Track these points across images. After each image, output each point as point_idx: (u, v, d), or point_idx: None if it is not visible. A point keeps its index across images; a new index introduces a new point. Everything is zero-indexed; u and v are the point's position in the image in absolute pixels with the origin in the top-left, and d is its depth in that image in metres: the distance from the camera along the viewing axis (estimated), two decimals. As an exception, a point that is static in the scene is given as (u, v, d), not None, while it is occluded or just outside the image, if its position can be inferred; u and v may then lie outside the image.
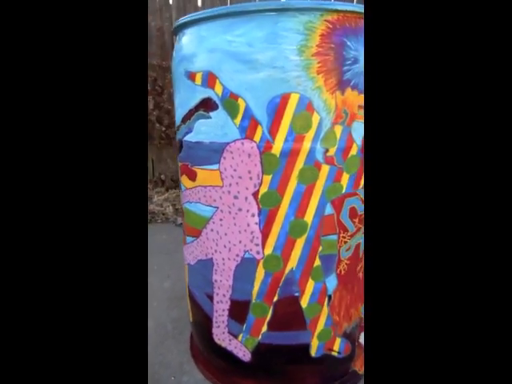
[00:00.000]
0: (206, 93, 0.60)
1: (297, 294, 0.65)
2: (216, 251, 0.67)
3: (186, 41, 0.63)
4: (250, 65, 0.55)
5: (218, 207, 0.64)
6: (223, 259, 0.67)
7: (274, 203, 0.60)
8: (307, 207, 0.61)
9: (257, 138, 0.58)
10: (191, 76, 0.61)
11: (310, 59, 0.54)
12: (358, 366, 0.79)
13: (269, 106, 0.56)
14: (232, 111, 0.58)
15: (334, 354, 0.72)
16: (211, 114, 0.60)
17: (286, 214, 0.61)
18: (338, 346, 0.72)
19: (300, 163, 0.59)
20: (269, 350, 0.69)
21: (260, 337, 0.68)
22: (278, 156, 0.58)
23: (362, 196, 0.64)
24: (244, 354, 0.70)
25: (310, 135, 0.57)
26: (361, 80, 0.57)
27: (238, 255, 0.65)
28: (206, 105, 0.60)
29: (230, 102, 0.58)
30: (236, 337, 0.70)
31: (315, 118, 0.57)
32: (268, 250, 0.63)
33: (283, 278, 0.64)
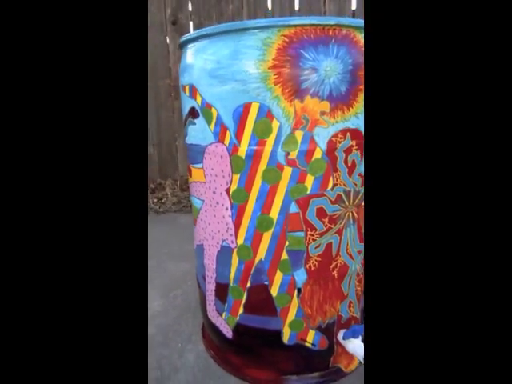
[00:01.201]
0: (191, 103, 0.71)
1: (266, 283, 0.72)
2: (204, 238, 0.78)
3: (182, 58, 0.74)
4: (219, 79, 0.64)
5: (204, 200, 0.75)
6: (209, 245, 0.77)
7: (242, 199, 0.68)
8: (272, 204, 0.67)
9: (226, 141, 0.66)
10: (183, 88, 0.73)
11: (267, 72, 0.60)
12: (344, 364, 0.81)
13: (234, 114, 0.64)
14: (207, 118, 0.68)
15: (308, 345, 0.76)
16: (195, 120, 0.71)
17: (253, 209, 0.68)
18: (311, 337, 0.76)
19: (263, 165, 0.65)
20: (246, 330, 0.77)
21: (238, 317, 0.77)
22: (243, 158, 0.66)
23: (332, 197, 0.67)
24: (227, 331, 0.80)
25: (270, 140, 0.64)
26: (322, 88, 0.61)
27: (218, 243, 0.75)
28: (193, 113, 0.71)
29: (206, 110, 0.67)
30: (221, 315, 0.80)
31: (275, 124, 0.63)
32: (240, 241, 0.71)
33: (254, 267, 0.71)
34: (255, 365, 0.80)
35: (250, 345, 0.78)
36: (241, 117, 0.64)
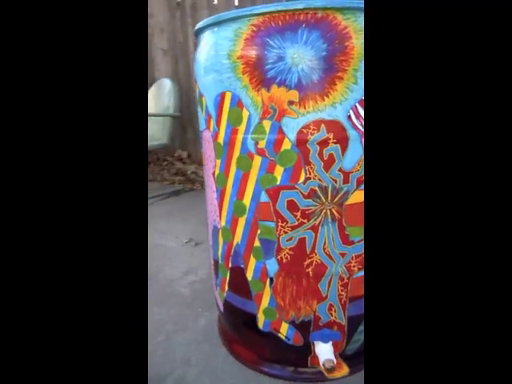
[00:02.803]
0: (197, 93, 0.78)
1: (242, 266, 0.74)
2: (207, 217, 0.85)
3: (199, 52, 0.81)
4: (205, 70, 0.69)
5: (206, 181, 0.82)
6: (208, 224, 0.84)
7: (223, 184, 0.72)
8: (245, 191, 0.69)
9: (211, 128, 0.71)
10: (194, 81, 0.80)
11: (236, 62, 0.62)
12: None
13: (214, 102, 0.68)
14: (201, 106, 0.74)
15: (282, 336, 0.75)
16: (198, 109, 0.78)
17: (230, 194, 0.71)
18: (285, 330, 0.75)
19: (237, 152, 0.67)
20: (230, 307, 0.81)
21: (225, 294, 0.82)
22: (222, 144, 0.69)
23: (305, 191, 0.65)
24: (220, 305, 0.86)
25: (241, 128, 0.65)
26: (289, 76, 0.59)
27: (211, 222, 0.81)
28: (198, 102, 0.78)
29: (200, 99, 0.73)
30: (216, 288, 0.87)
31: (245, 113, 0.64)
32: (223, 223, 0.75)
33: (233, 249, 0.75)
34: (239, 342, 0.84)
35: (234, 322, 0.83)
36: (219, 105, 0.67)
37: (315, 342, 0.72)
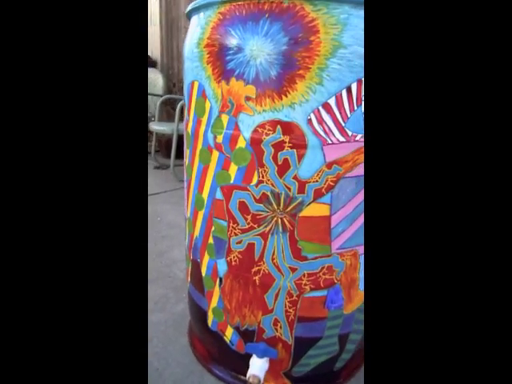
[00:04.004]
0: (185, 79, 0.77)
1: (198, 261, 0.73)
2: (187, 205, 0.85)
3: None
4: (184, 57, 0.67)
5: (187, 170, 0.82)
6: (185, 212, 0.84)
7: (189, 175, 0.71)
8: (204, 185, 0.67)
9: (187, 116, 0.70)
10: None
11: (202, 50, 0.60)
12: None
13: (187, 90, 0.67)
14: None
15: (227, 340, 0.72)
16: (185, 96, 0.77)
17: (193, 186, 0.70)
18: (229, 334, 0.72)
19: (200, 144, 0.66)
20: (191, 299, 0.81)
21: (188, 285, 0.81)
22: (190, 134, 0.68)
23: (257, 195, 0.60)
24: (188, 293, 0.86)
25: (204, 120, 0.63)
26: (247, 70, 0.55)
27: (184, 211, 0.80)
28: (187, 89, 0.78)
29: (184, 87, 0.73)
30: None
31: (207, 105, 0.62)
32: (188, 214, 0.75)
33: (193, 242, 0.74)
34: (196, 336, 0.84)
35: (193, 315, 0.82)
36: (189, 94, 0.66)
37: (253, 354, 0.68)
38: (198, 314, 0.78)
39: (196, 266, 0.75)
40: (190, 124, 0.68)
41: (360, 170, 0.60)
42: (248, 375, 0.64)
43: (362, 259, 0.67)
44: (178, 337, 0.89)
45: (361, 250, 0.66)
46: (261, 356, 0.67)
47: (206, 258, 0.71)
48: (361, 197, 0.62)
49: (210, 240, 0.69)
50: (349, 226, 0.63)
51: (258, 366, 0.65)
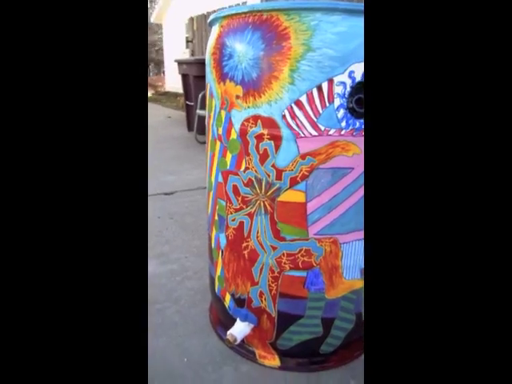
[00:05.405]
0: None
1: (209, 234, 0.86)
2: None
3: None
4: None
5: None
6: (213, 195, 0.98)
7: (207, 162, 0.84)
8: (212, 170, 0.79)
9: (208, 112, 0.83)
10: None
11: (210, 58, 0.73)
12: (259, 352, 0.81)
13: (209, 91, 0.80)
14: (208, 94, 0.86)
15: (226, 305, 0.83)
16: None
17: (207, 171, 0.83)
18: (228, 300, 0.82)
19: (210, 135, 0.78)
20: (208, 269, 0.94)
21: (208, 256, 0.95)
22: (208, 127, 0.81)
23: (245, 180, 0.70)
24: (210, 266, 1.00)
25: (212, 115, 0.76)
26: (236, 73, 0.66)
27: (209, 193, 0.94)
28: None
29: (208, 87, 0.86)
30: (211, 251, 1.00)
31: (213, 103, 0.74)
32: (207, 193, 0.88)
33: (208, 216, 0.87)
34: (212, 303, 0.97)
35: (209, 281, 0.95)
36: (207, 94, 0.79)
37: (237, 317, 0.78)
38: (211, 280, 0.91)
39: (209, 238, 0.88)
40: (208, 119, 0.81)
41: (336, 163, 0.65)
42: (228, 333, 0.75)
43: (344, 248, 0.71)
44: (203, 302, 1.04)
45: (342, 239, 0.70)
46: (243, 320, 0.76)
47: (214, 232, 0.84)
48: (338, 188, 0.66)
49: (216, 217, 0.82)
50: (326, 214, 0.68)
51: (238, 327, 0.75)
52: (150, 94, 9.93)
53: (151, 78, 14.06)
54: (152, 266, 1.23)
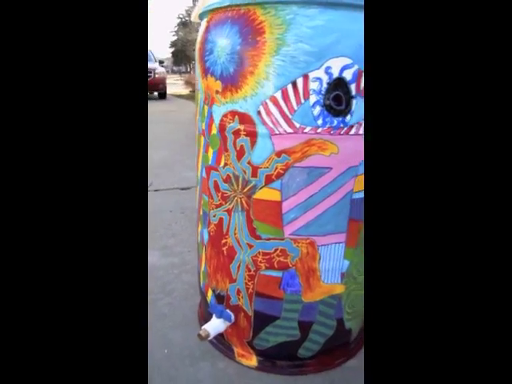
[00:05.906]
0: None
1: (197, 229, 0.86)
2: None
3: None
4: (199, 58, 0.81)
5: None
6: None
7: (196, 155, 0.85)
8: (198, 165, 0.80)
9: (197, 108, 0.84)
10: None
11: (197, 52, 0.72)
12: (237, 350, 0.81)
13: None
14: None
15: (208, 300, 0.83)
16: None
17: (196, 165, 0.83)
18: (210, 296, 0.82)
19: (196, 130, 0.78)
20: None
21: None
22: (195, 121, 0.81)
23: (223, 175, 0.70)
24: (203, 261, 1.00)
25: (197, 110, 0.76)
26: (216, 68, 0.66)
27: (202, 188, 0.94)
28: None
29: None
30: (203, 246, 1.01)
31: (199, 97, 0.74)
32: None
33: (196, 212, 0.87)
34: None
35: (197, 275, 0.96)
36: (196, 88, 0.80)
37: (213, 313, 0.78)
38: (197, 275, 0.92)
39: (196, 234, 0.89)
40: (195, 113, 0.81)
41: (312, 162, 0.62)
42: (202, 327, 0.75)
43: (322, 250, 0.68)
44: (195, 296, 1.04)
45: (319, 241, 0.67)
46: (218, 316, 0.76)
47: (199, 228, 0.84)
48: (315, 188, 0.64)
49: (201, 212, 0.82)
50: (302, 214, 0.66)
51: (212, 323, 0.75)
52: (187, 91, 10.17)
53: (191, 75, 14.40)
54: (154, 257, 1.26)
